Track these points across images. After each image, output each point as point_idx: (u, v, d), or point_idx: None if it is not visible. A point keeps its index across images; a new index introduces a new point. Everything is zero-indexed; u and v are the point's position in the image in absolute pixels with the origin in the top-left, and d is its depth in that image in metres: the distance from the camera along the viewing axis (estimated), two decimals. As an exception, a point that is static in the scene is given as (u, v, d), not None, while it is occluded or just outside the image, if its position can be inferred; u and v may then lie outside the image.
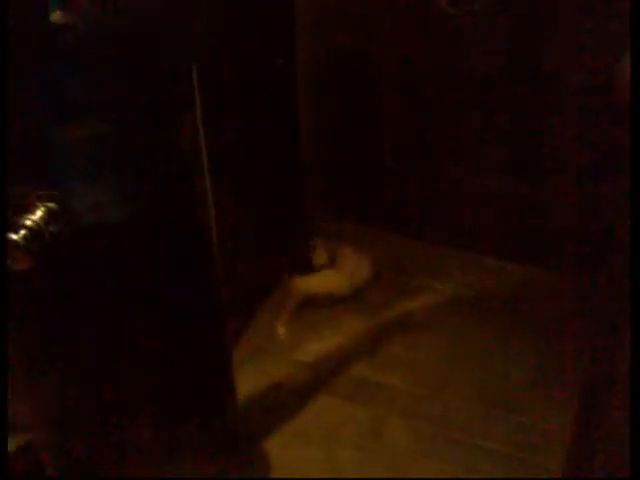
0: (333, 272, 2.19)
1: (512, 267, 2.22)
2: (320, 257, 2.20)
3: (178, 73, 0.99)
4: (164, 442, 1.27)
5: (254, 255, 2.00)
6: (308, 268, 2.19)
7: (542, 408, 1.81)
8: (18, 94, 0.84)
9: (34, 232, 0.85)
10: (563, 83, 1.94)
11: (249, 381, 1.85)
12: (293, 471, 1.68)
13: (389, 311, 2.12)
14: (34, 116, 0.87)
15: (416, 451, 1.74)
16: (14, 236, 0.85)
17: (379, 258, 2.24)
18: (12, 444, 1.33)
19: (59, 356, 1.09)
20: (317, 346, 2.02)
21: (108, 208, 0.94)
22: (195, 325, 1.18)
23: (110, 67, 0.87)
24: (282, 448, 1.75)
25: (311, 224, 2.32)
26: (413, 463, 1.71)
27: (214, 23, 1.58)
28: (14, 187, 0.87)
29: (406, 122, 2.21)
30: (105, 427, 1.21)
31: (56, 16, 0.80)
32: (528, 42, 1.95)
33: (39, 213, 0.86)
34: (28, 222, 0.86)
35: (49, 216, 0.87)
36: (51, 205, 0.87)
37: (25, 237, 0.85)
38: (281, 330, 2.06)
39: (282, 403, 1.87)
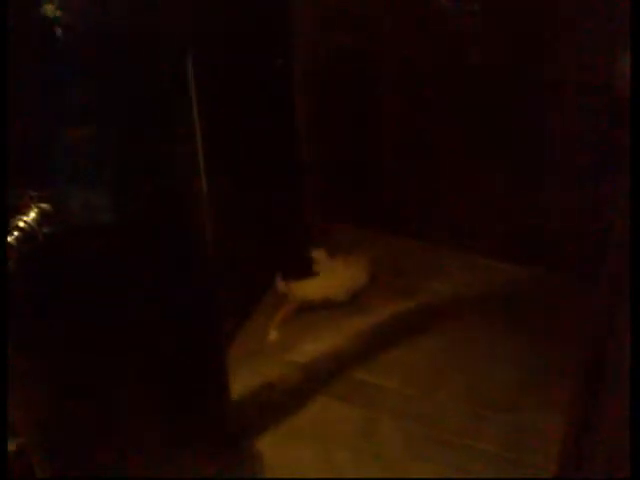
0: (330, 276, 2.18)
1: (512, 267, 2.22)
2: (317, 260, 2.20)
3: (175, 73, 0.98)
4: (161, 442, 1.27)
5: (250, 256, 1.99)
6: (305, 272, 2.18)
7: (540, 409, 1.81)
8: (11, 95, 0.84)
9: (27, 233, 0.85)
10: (563, 83, 1.94)
11: (243, 382, 1.84)
12: (286, 471, 1.68)
13: (385, 312, 2.12)
14: (28, 117, 0.87)
15: (409, 452, 1.74)
16: (7, 237, 0.84)
17: (377, 259, 2.23)
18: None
19: (54, 357, 1.09)
20: (312, 347, 2.01)
21: (102, 209, 0.93)
22: (191, 326, 1.18)
23: (105, 67, 0.87)
24: (275, 448, 1.74)
25: (310, 225, 2.31)
26: (406, 464, 1.71)
27: (213, 23, 1.58)
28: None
29: (406, 122, 2.21)
30: (102, 428, 1.21)
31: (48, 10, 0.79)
32: (528, 42, 1.95)
33: (32, 214, 0.86)
34: (21, 223, 0.85)
35: (42, 217, 0.86)
36: (44, 206, 0.87)
37: (18, 239, 0.84)
38: (273, 334, 2.05)
39: (275, 403, 1.87)
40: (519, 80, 1.99)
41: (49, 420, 1.21)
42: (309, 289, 2.16)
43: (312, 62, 2.14)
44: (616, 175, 0.97)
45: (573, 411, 1.20)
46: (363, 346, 2.03)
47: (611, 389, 1.03)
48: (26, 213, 0.86)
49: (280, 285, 2.15)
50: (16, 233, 0.84)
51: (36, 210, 0.86)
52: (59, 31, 0.82)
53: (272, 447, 1.75)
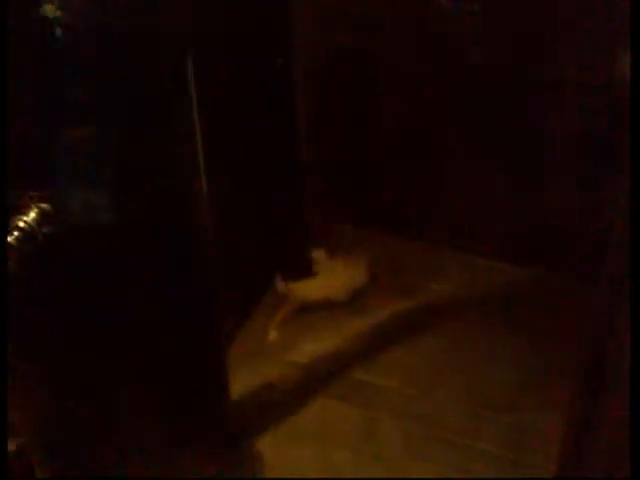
0: (330, 277, 2.18)
1: (511, 268, 2.22)
2: (317, 261, 2.20)
3: (175, 73, 0.98)
4: (161, 442, 1.26)
5: (250, 256, 1.99)
6: (305, 272, 2.18)
7: (540, 409, 1.81)
8: (11, 95, 0.84)
9: (27, 233, 0.85)
10: (563, 83, 1.94)
11: (243, 382, 1.84)
12: (286, 471, 1.68)
13: (385, 312, 2.11)
14: (28, 117, 0.86)
15: (409, 452, 1.74)
16: (7, 237, 0.84)
17: (377, 259, 2.23)
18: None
19: (54, 357, 1.09)
20: (312, 347, 2.01)
21: (102, 209, 0.93)
22: (191, 326, 1.18)
23: (105, 68, 0.87)
24: (275, 448, 1.74)
25: (310, 225, 2.31)
26: (406, 463, 1.71)
27: (213, 22, 1.58)
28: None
29: (406, 122, 2.21)
30: (102, 428, 1.21)
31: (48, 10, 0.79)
32: (528, 42, 1.95)
33: (32, 214, 0.86)
34: (21, 223, 0.85)
35: (42, 217, 0.86)
36: (44, 206, 0.87)
37: (18, 238, 0.84)
38: (273, 334, 2.05)
39: (275, 403, 1.87)
40: (519, 80, 1.99)
41: (49, 420, 1.21)
42: (309, 289, 2.16)
43: (312, 62, 2.14)
44: (616, 175, 0.97)
45: (573, 411, 1.19)
46: (363, 346, 2.03)
47: (611, 389, 1.03)
48: (26, 213, 0.86)
49: (280, 285, 2.15)
50: (16, 233, 0.84)
51: (36, 210, 0.86)
52: (59, 31, 0.82)
53: (272, 447, 1.75)
